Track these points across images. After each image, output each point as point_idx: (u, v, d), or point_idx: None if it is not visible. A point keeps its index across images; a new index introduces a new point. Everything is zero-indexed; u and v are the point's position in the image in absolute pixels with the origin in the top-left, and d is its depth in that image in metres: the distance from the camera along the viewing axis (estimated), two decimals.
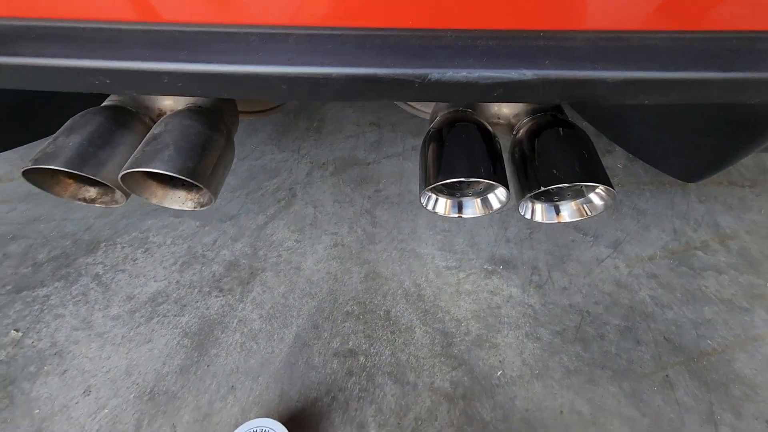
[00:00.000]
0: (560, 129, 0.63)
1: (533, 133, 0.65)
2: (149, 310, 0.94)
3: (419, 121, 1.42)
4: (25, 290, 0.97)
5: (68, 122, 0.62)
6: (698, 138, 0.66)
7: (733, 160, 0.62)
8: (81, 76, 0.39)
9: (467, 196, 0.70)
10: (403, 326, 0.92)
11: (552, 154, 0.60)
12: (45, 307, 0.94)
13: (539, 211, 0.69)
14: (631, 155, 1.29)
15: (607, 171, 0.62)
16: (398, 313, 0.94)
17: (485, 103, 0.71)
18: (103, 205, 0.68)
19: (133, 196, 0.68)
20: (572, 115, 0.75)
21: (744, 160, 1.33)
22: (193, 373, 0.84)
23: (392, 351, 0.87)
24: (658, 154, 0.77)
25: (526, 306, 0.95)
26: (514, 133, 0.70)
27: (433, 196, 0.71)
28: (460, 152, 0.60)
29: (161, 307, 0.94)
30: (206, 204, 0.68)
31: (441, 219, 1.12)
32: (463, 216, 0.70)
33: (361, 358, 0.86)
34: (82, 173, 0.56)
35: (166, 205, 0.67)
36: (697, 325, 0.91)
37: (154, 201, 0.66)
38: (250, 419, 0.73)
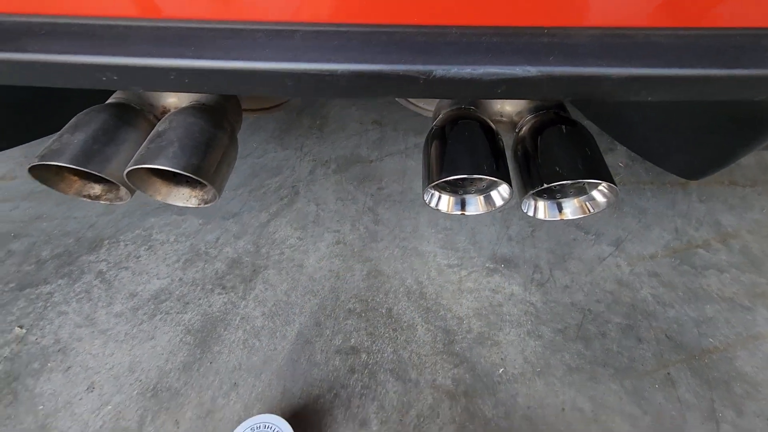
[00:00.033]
0: (563, 126, 0.63)
1: (536, 131, 0.65)
2: (152, 307, 0.94)
3: (421, 119, 1.42)
4: (29, 287, 0.97)
5: (73, 119, 0.62)
6: (700, 135, 0.66)
7: (735, 158, 0.62)
8: (88, 73, 0.40)
9: (470, 193, 0.70)
10: (405, 324, 0.92)
11: (555, 152, 0.60)
12: (48, 305, 0.94)
13: (542, 209, 0.69)
14: (632, 154, 1.29)
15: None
16: (400, 311, 0.94)
17: (488, 101, 0.71)
18: (108, 202, 0.68)
19: (136, 194, 0.68)
20: (575, 113, 0.75)
21: (745, 159, 1.33)
22: (196, 370, 0.84)
23: (394, 348, 0.88)
24: (660, 151, 0.77)
25: (527, 304, 0.95)
26: (516, 130, 0.71)
27: (436, 194, 0.71)
28: (463, 149, 0.60)
29: (164, 304, 0.95)
30: (210, 201, 0.68)
31: (443, 217, 1.12)
32: (466, 213, 0.70)
33: (363, 356, 0.87)
34: (87, 170, 0.56)
35: (171, 202, 0.68)
36: (698, 323, 0.92)
37: (159, 198, 0.67)
38: (252, 416, 0.74)
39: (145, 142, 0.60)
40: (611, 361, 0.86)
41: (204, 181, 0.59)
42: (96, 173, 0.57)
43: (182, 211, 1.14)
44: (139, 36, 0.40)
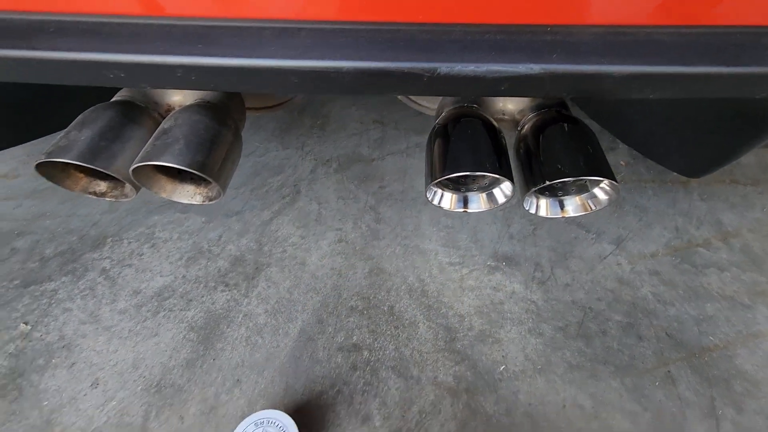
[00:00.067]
0: (565, 124, 0.63)
1: (538, 129, 0.65)
2: (156, 304, 0.95)
3: (423, 118, 1.42)
4: (33, 284, 0.98)
5: (79, 117, 0.63)
6: (701, 133, 0.67)
7: (736, 156, 0.63)
8: (97, 70, 0.40)
9: (472, 190, 0.70)
10: (407, 321, 0.92)
11: (557, 149, 0.60)
12: (53, 301, 0.95)
13: (544, 206, 0.69)
14: (633, 153, 1.29)
15: None
16: (402, 309, 0.95)
17: (490, 99, 0.71)
18: (113, 199, 0.69)
19: (140, 192, 0.69)
20: (576, 112, 0.76)
21: (746, 158, 1.33)
22: (199, 366, 0.85)
23: (396, 346, 0.88)
24: (661, 149, 0.78)
25: (528, 302, 0.96)
26: (518, 128, 0.71)
27: (439, 191, 0.71)
28: (465, 147, 0.61)
29: (167, 301, 0.95)
30: (215, 198, 0.69)
31: (444, 216, 1.13)
32: (469, 210, 0.70)
33: (365, 353, 0.87)
34: (93, 167, 0.57)
35: (176, 199, 0.68)
36: (698, 321, 0.92)
37: (164, 195, 0.67)
38: (256, 411, 0.74)
39: (150, 140, 0.60)
40: (612, 359, 0.86)
41: (209, 178, 0.59)
42: (102, 170, 0.58)
43: (185, 209, 1.14)
44: (147, 34, 0.40)
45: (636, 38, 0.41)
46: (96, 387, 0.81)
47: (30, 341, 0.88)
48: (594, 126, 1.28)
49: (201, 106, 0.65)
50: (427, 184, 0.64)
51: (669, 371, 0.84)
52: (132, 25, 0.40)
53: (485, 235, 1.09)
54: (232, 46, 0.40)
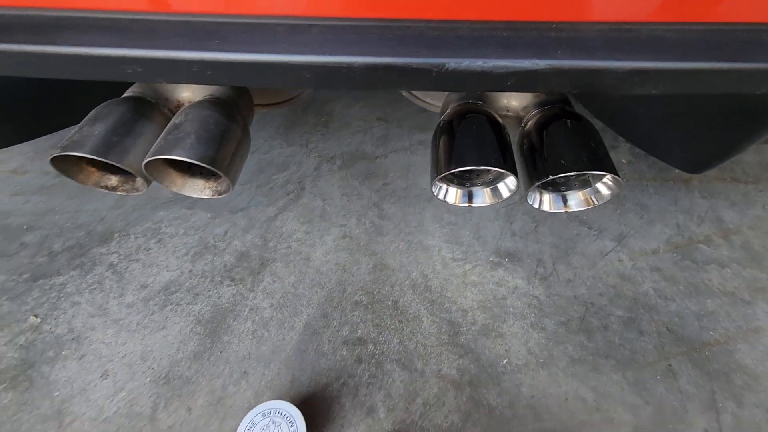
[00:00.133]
0: (568, 120, 0.64)
1: (541, 125, 0.67)
2: (163, 298, 0.96)
3: (426, 116, 1.44)
4: (42, 278, 0.99)
5: (92, 112, 0.64)
6: (702, 129, 0.68)
7: (736, 151, 0.64)
8: (115, 65, 0.41)
9: (477, 185, 0.72)
10: (411, 316, 0.94)
11: (560, 144, 0.61)
12: (62, 295, 0.96)
13: (547, 201, 0.71)
14: (635, 151, 1.30)
15: None
16: (406, 303, 0.96)
17: (494, 96, 0.72)
18: (125, 193, 0.70)
19: (150, 186, 0.70)
20: (579, 110, 0.77)
21: (747, 157, 1.34)
22: (207, 358, 0.86)
23: (400, 339, 0.90)
24: (662, 146, 0.79)
25: (531, 297, 0.97)
26: (522, 125, 0.72)
27: (444, 186, 0.72)
28: (470, 142, 0.62)
29: (174, 295, 0.97)
30: (224, 192, 0.70)
31: (447, 212, 1.14)
32: (473, 205, 0.71)
33: (370, 346, 0.88)
34: (107, 161, 0.58)
35: (186, 193, 0.69)
36: (699, 316, 0.93)
37: (174, 189, 0.69)
38: (263, 402, 0.76)
39: (162, 134, 0.62)
40: (613, 353, 0.87)
41: (219, 172, 0.60)
42: (115, 164, 0.59)
43: (191, 205, 1.16)
44: (164, 30, 0.41)
45: (639, 35, 0.42)
46: (106, 378, 0.83)
47: (40, 333, 0.89)
48: (597, 124, 1.29)
49: (211, 102, 0.66)
50: (432, 179, 0.66)
51: (670, 365, 0.85)
52: (150, 21, 0.41)
53: (488, 232, 1.10)
54: (246, 42, 0.41)
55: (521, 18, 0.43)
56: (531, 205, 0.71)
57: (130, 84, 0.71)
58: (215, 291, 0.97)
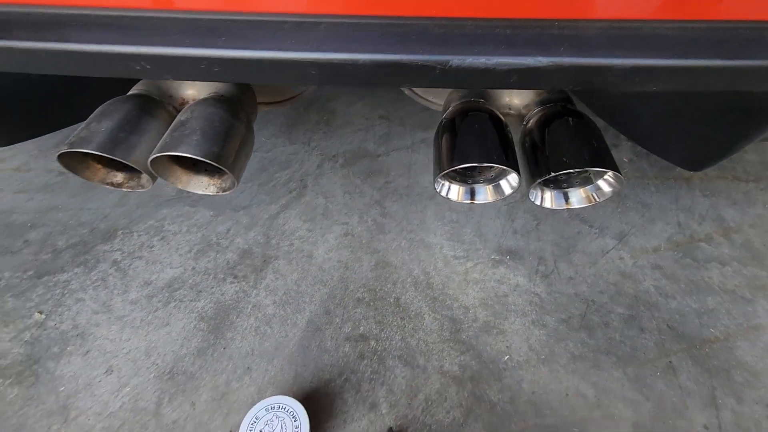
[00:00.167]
0: (569, 118, 0.65)
1: (543, 123, 0.67)
2: (166, 295, 0.97)
3: (428, 114, 1.44)
4: (46, 275, 1.00)
5: (98, 109, 0.65)
6: (703, 127, 0.68)
7: (736, 149, 0.64)
8: (124, 62, 0.42)
9: (479, 182, 0.72)
10: (413, 313, 0.94)
11: (562, 142, 0.62)
12: (66, 292, 0.97)
13: (548, 198, 0.71)
14: (636, 150, 1.31)
15: None
16: (408, 300, 0.96)
17: (496, 94, 0.73)
18: (130, 189, 0.71)
19: (155, 182, 0.70)
20: (581, 107, 0.78)
21: (748, 156, 1.35)
22: (210, 354, 0.87)
23: (402, 336, 0.90)
24: (663, 143, 0.80)
25: (532, 294, 0.97)
26: (524, 123, 0.73)
27: (447, 183, 0.73)
28: (473, 139, 0.62)
29: (178, 292, 0.97)
30: (228, 189, 0.71)
31: (449, 210, 1.15)
32: (476, 202, 0.72)
33: (372, 343, 0.89)
34: (113, 157, 0.59)
35: (190, 190, 0.70)
36: (700, 314, 0.94)
37: (179, 185, 0.69)
38: (266, 397, 0.76)
39: (168, 131, 0.62)
40: (614, 350, 0.88)
41: (224, 168, 0.61)
42: (122, 160, 0.60)
43: (194, 202, 1.16)
44: (172, 27, 0.42)
45: (640, 32, 0.43)
46: (110, 374, 0.83)
47: (45, 330, 0.90)
48: (598, 122, 1.30)
49: (215, 100, 0.67)
50: (435, 176, 0.66)
51: (670, 362, 0.86)
52: (158, 19, 0.42)
53: (489, 230, 1.10)
54: (253, 39, 0.42)
55: (524, 16, 0.43)
56: (533, 202, 0.72)
57: (135, 82, 0.72)
58: (218, 288, 0.98)
